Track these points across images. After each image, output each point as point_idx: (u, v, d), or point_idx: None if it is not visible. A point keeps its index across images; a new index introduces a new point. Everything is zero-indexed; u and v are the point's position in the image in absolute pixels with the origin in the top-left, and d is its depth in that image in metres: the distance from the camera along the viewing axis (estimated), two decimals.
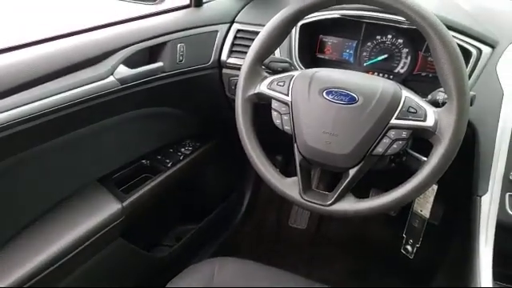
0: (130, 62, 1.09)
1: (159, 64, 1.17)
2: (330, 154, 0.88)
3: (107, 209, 1.15)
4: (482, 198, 0.97)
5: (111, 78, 1.05)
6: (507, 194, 0.95)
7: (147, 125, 1.30)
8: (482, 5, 1.18)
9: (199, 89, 1.32)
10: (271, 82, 0.95)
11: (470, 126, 0.95)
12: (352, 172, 0.87)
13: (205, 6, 1.33)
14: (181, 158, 1.40)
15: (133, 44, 1.10)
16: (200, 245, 1.68)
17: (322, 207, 0.90)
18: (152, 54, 1.18)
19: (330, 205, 0.89)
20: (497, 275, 0.94)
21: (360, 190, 0.93)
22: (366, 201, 0.88)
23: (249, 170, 1.83)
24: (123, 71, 1.07)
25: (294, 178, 0.93)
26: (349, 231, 1.80)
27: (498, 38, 1.03)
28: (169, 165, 1.36)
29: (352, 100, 0.86)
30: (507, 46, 1.01)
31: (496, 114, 0.97)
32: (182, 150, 1.44)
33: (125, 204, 1.18)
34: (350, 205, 0.88)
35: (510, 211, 0.94)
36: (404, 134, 0.84)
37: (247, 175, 1.89)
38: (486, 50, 1.03)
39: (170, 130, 1.41)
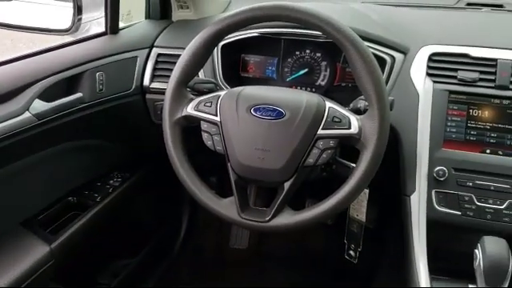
0: (46, 96, 1.04)
1: (78, 95, 1.12)
2: (264, 170, 0.88)
3: (34, 253, 1.07)
4: (411, 197, 1.02)
5: (27, 114, 0.99)
6: (433, 191, 1.00)
7: (71, 159, 1.23)
8: (389, 15, 1.25)
9: (123, 117, 1.28)
10: (198, 104, 0.94)
11: (392, 129, 1.00)
12: (287, 185, 0.88)
13: (121, 32, 1.30)
14: (110, 190, 1.34)
15: (48, 76, 1.05)
16: (140, 279, 1.61)
17: (261, 224, 0.90)
18: (70, 85, 1.12)
19: (269, 220, 0.89)
20: (433, 269, 0.98)
21: (296, 202, 0.94)
22: (303, 212, 0.89)
23: (184, 195, 1.79)
24: (40, 106, 1.02)
25: (231, 198, 0.92)
26: (290, 244, 1.81)
27: (409, 45, 1.10)
28: (98, 199, 1.29)
29: (279, 115, 0.88)
30: (417, 51, 1.08)
31: (415, 116, 1.03)
32: (111, 182, 1.38)
33: (53, 246, 1.11)
34: (288, 218, 0.89)
35: (437, 207, 1.00)
36: (332, 143, 0.86)
37: (182, 201, 1.85)
38: (398, 56, 1.09)
39: (96, 162, 1.35)
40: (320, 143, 0.86)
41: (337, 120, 0.86)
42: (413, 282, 0.99)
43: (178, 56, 0.95)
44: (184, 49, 0.94)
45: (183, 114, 0.94)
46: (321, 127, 0.86)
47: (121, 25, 1.31)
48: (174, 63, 0.95)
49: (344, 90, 1.20)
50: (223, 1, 1.48)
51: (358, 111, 0.89)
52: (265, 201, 0.95)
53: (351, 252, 1.29)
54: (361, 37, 0.85)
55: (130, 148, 1.45)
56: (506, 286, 0.81)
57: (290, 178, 0.88)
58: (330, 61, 1.21)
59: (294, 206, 0.91)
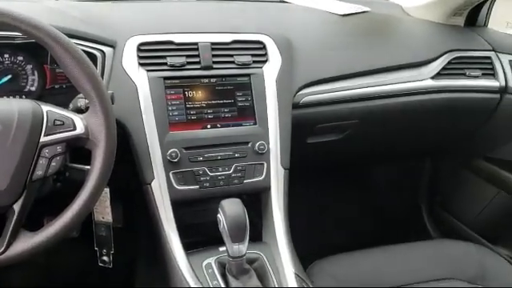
0: None
1: None
2: None
3: None
4: (152, 184, 1.05)
5: None
6: (171, 173, 1.05)
7: None
8: (90, 10, 1.23)
9: None
10: None
11: (119, 123, 0.99)
12: (17, 207, 0.79)
13: None
14: None
15: None
16: None
17: None
18: None
19: (4, 251, 0.78)
20: (188, 246, 1.04)
21: (34, 223, 0.85)
22: (43, 231, 0.81)
23: None
24: None
25: None
26: (35, 272, 1.62)
27: (115, 38, 1.10)
28: None
29: None
30: (125, 43, 1.09)
31: (137, 107, 1.05)
32: None
33: None
34: (27, 241, 0.80)
35: (177, 187, 1.05)
36: (59, 148, 0.81)
37: None
38: (108, 50, 1.08)
39: None
40: (46, 151, 0.80)
41: (59, 123, 0.81)
42: (171, 264, 1.02)
43: None
44: None
45: None
46: (42, 134, 0.80)
47: None
48: None
49: (60, 93, 1.13)
50: None
51: (79, 110, 0.86)
52: None
53: (104, 258, 1.25)
54: (65, 34, 0.82)
55: None
56: (248, 238, 0.92)
57: (19, 197, 0.79)
58: (36, 63, 1.11)
59: (33, 227, 0.82)
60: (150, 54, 1.09)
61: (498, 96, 1.46)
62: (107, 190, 1.10)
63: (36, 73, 1.12)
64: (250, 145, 1.10)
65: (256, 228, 1.13)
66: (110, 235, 1.21)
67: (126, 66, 1.07)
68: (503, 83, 1.45)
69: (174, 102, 1.08)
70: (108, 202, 1.14)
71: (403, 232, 1.87)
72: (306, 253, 1.16)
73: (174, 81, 1.09)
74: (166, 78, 1.08)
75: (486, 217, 1.67)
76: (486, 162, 1.63)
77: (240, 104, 1.13)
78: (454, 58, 1.42)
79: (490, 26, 1.63)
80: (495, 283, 1.19)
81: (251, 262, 1.01)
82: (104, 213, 1.15)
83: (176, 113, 1.08)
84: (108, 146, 0.83)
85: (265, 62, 1.17)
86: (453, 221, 1.80)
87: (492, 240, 1.64)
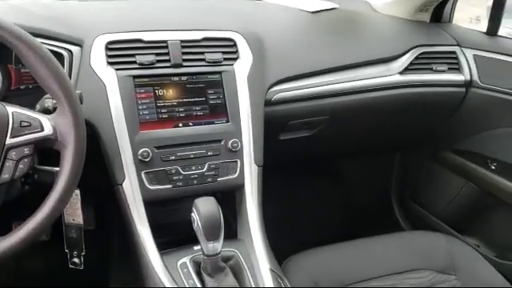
0: None
1: None
2: None
3: None
4: (123, 185, 1.03)
5: None
6: (142, 173, 1.03)
7: None
8: (57, 8, 1.20)
9: None
10: None
11: (88, 123, 0.97)
12: None
13: None
14: None
15: None
16: None
17: None
18: None
19: None
20: (162, 245, 1.03)
21: (1, 227, 0.83)
22: (11, 235, 0.79)
23: None
24: None
25: None
26: (4, 278, 1.58)
27: (82, 37, 1.07)
28: None
29: None
30: (92, 42, 1.07)
31: (106, 107, 1.03)
32: None
33: None
34: None
35: (149, 187, 1.04)
36: (26, 150, 0.79)
37: None
38: (75, 49, 1.06)
39: None
40: (12, 154, 0.78)
41: (26, 124, 0.79)
42: (145, 264, 1.01)
43: None
44: None
45: None
46: (8, 136, 0.77)
47: None
48: None
49: (27, 93, 1.10)
50: None
51: (47, 111, 0.84)
52: None
53: (75, 260, 1.23)
54: (30, 33, 0.80)
55: None
56: (222, 236, 0.92)
57: None
58: (0, 63, 1.08)
59: (1, 232, 0.80)
60: (118, 53, 1.07)
61: (463, 90, 1.50)
62: (77, 191, 1.08)
63: (0, 73, 1.08)
64: (222, 142, 1.10)
65: (230, 226, 1.13)
66: (81, 237, 1.18)
67: (94, 65, 1.05)
68: (468, 77, 1.49)
69: (144, 101, 1.06)
70: (79, 204, 1.11)
71: (375, 225, 1.91)
72: (281, 248, 1.16)
73: (143, 79, 1.07)
74: (135, 77, 1.06)
75: (455, 208, 1.71)
76: (454, 154, 1.67)
77: (212, 102, 1.12)
78: (421, 53, 1.45)
79: (453, 21, 1.67)
80: (465, 272, 1.22)
81: (226, 259, 1.01)
82: (74, 215, 1.13)
83: (146, 112, 1.06)
84: (77, 147, 0.81)
85: (236, 59, 1.17)
86: (423, 212, 1.84)
87: (460, 230, 1.69)
